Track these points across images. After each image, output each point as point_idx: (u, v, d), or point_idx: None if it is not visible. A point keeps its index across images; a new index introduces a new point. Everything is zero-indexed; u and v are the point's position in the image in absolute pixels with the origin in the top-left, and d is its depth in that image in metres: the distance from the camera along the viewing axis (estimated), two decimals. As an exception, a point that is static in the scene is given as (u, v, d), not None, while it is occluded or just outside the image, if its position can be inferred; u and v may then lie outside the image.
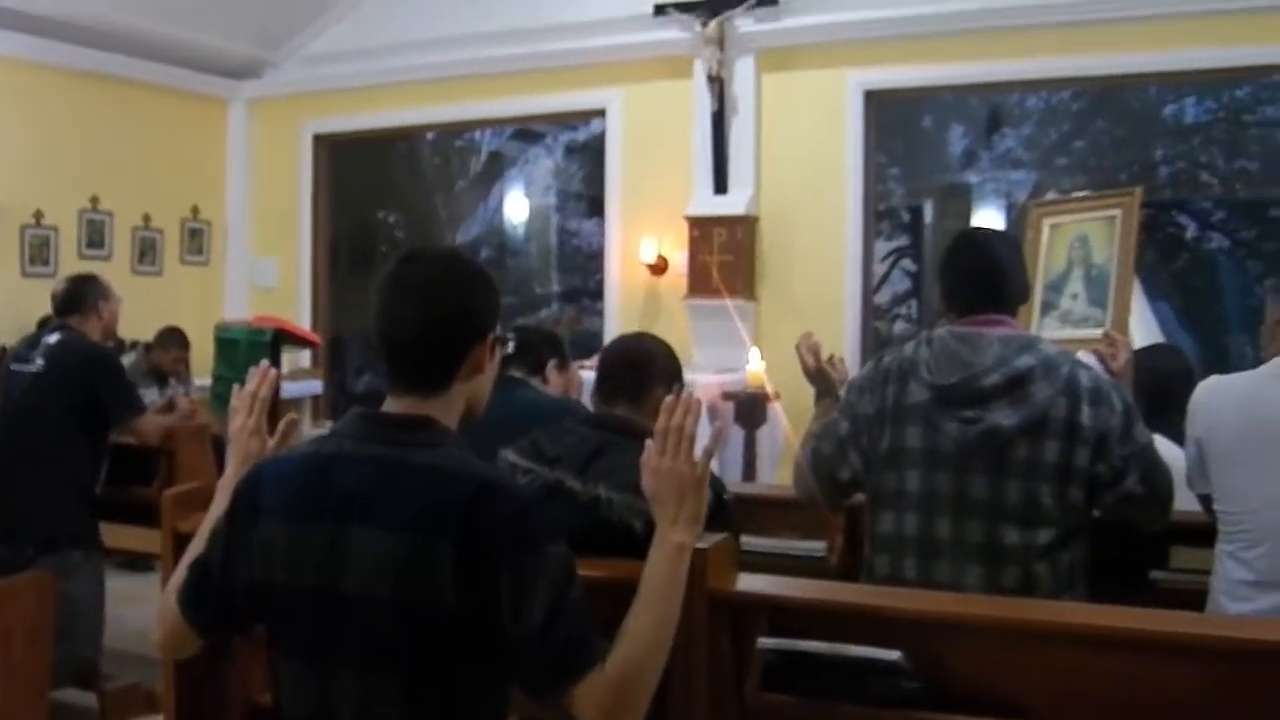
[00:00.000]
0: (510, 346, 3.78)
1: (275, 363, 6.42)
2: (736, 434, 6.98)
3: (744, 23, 7.75)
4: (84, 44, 8.39)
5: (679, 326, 7.88)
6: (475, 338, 2.00)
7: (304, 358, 9.34)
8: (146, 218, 9.11)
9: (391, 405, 1.99)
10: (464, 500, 1.84)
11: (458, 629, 1.83)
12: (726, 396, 7.00)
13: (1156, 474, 2.79)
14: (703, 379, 7.03)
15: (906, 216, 13.09)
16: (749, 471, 6.77)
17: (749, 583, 2.35)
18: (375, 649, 1.85)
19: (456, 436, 1.98)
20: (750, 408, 6.88)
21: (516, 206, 14.31)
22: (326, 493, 1.90)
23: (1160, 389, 3.54)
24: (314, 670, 1.91)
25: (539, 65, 8.47)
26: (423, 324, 1.96)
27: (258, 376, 2.39)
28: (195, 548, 2.13)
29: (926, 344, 2.88)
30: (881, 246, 12.65)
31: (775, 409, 6.85)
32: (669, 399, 2.18)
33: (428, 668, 1.85)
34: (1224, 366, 3.02)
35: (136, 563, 6.35)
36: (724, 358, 7.49)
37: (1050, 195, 10.38)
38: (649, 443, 2.16)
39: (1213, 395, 2.98)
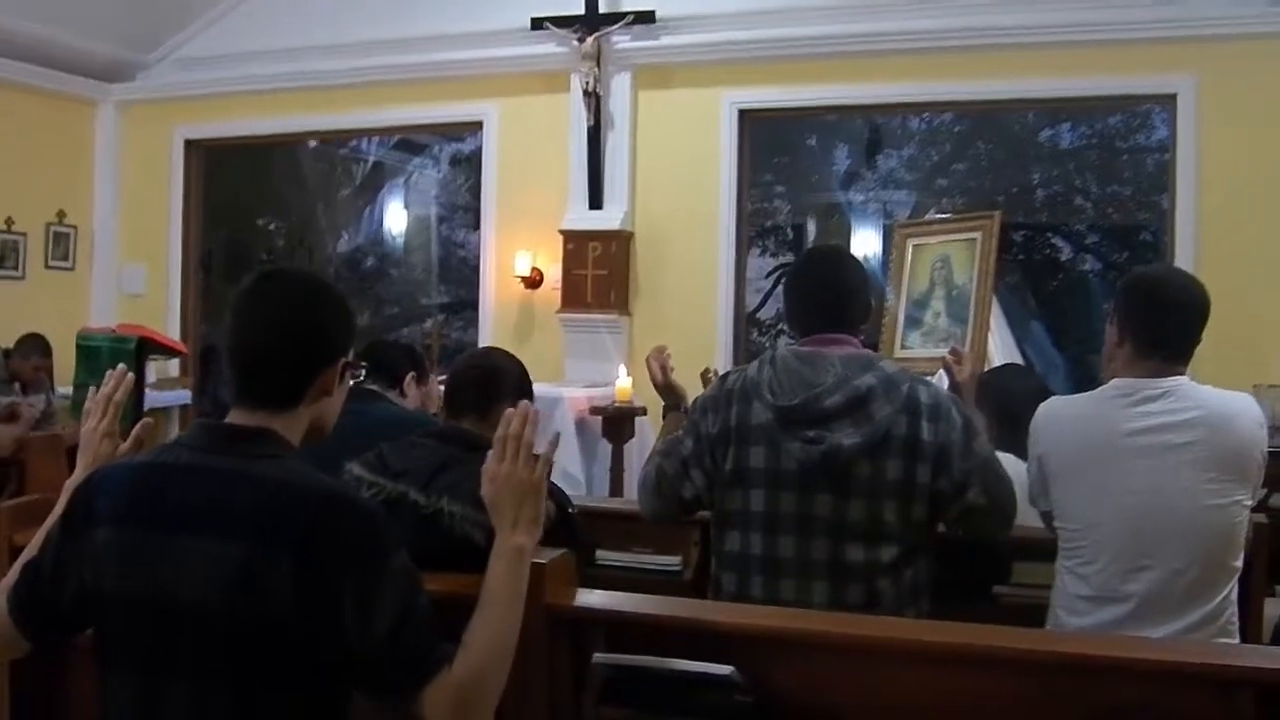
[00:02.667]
0: (361, 374, 3.79)
1: (140, 371, 6.31)
2: (604, 449, 7.00)
3: (621, 39, 7.80)
4: (-54, 41, 8.17)
5: (552, 340, 7.91)
6: (325, 361, 2.02)
7: (173, 367, 9.16)
8: (9, 221, 8.86)
9: (235, 418, 1.99)
10: (304, 513, 1.84)
11: (293, 641, 1.82)
12: (594, 411, 7.02)
13: (998, 485, 2.84)
14: (572, 393, 7.06)
15: (791, 234, 13.23)
16: (616, 486, 6.77)
17: (586, 598, 2.36)
18: (207, 661, 1.84)
19: (297, 451, 1.99)
20: (618, 423, 6.90)
21: (401, 217, 14.19)
22: (162, 502, 1.89)
23: (1011, 408, 3.59)
24: (143, 681, 1.89)
25: (417, 76, 8.42)
26: (274, 342, 1.99)
27: (114, 380, 2.40)
28: (32, 548, 2.11)
29: (770, 364, 2.89)
30: (767, 263, 12.79)
31: (644, 424, 6.86)
32: (509, 410, 2.19)
33: (260, 680, 1.84)
34: (1094, 384, 3.10)
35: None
36: (596, 372, 7.52)
37: (931, 215, 10.62)
38: (490, 452, 2.17)
39: (1053, 415, 3.05)
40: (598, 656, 2.26)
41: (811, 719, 2.20)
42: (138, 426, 2.40)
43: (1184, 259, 6.51)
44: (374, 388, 3.87)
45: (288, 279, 2.09)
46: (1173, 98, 6.92)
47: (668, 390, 3.38)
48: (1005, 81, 7.26)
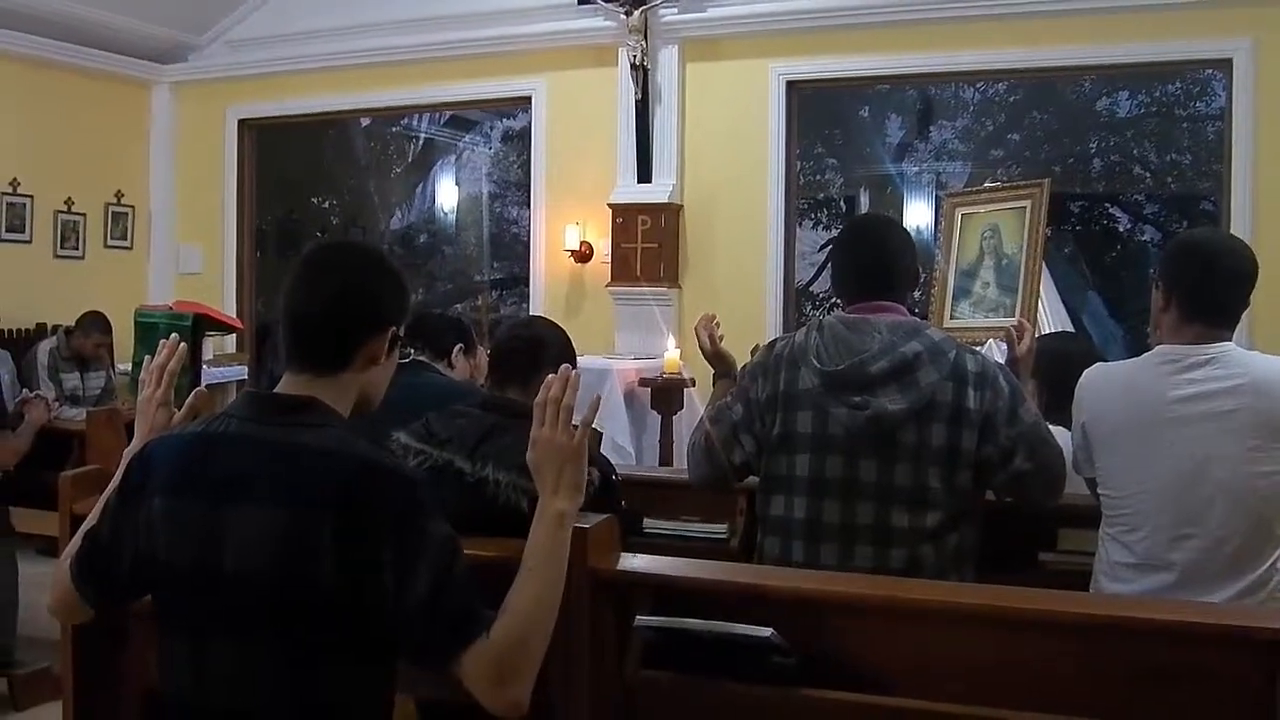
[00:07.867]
0: (410, 353, 3.84)
1: (196, 347, 6.39)
2: (654, 420, 7.03)
3: (667, 12, 7.80)
4: (4, 26, 8.27)
5: (603, 313, 7.94)
6: (375, 327, 2.03)
7: (229, 343, 9.27)
8: (69, 201, 9.02)
9: (284, 386, 2.02)
10: (344, 479, 1.86)
11: (336, 606, 1.85)
12: (644, 383, 7.05)
13: (1045, 450, 2.82)
14: (621, 365, 7.09)
15: (843, 206, 13.17)
16: (665, 457, 6.80)
17: (628, 562, 2.37)
18: (253, 626, 1.88)
19: (342, 419, 2.00)
20: (667, 394, 6.93)
21: (453, 194, 14.26)
22: (208, 471, 1.92)
23: (1061, 375, 3.56)
24: (192, 646, 1.93)
25: (466, 52, 8.47)
26: (324, 302, 2.01)
27: (166, 349, 2.42)
28: (92, 517, 2.15)
29: (817, 330, 2.89)
30: (819, 236, 12.74)
31: (692, 395, 6.87)
32: (550, 375, 2.21)
33: (304, 645, 1.87)
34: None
35: (53, 549, 6.26)
36: (646, 344, 7.56)
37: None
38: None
39: (1098, 381, 3.02)
40: (639, 619, 2.28)
41: (853, 681, 2.21)
42: (192, 395, 2.42)
43: (1240, 227, 6.42)
44: (422, 359, 3.92)
45: (345, 247, 2.18)
46: (1228, 62, 6.82)
47: (716, 358, 3.37)
48: (1059, 48, 7.19)
